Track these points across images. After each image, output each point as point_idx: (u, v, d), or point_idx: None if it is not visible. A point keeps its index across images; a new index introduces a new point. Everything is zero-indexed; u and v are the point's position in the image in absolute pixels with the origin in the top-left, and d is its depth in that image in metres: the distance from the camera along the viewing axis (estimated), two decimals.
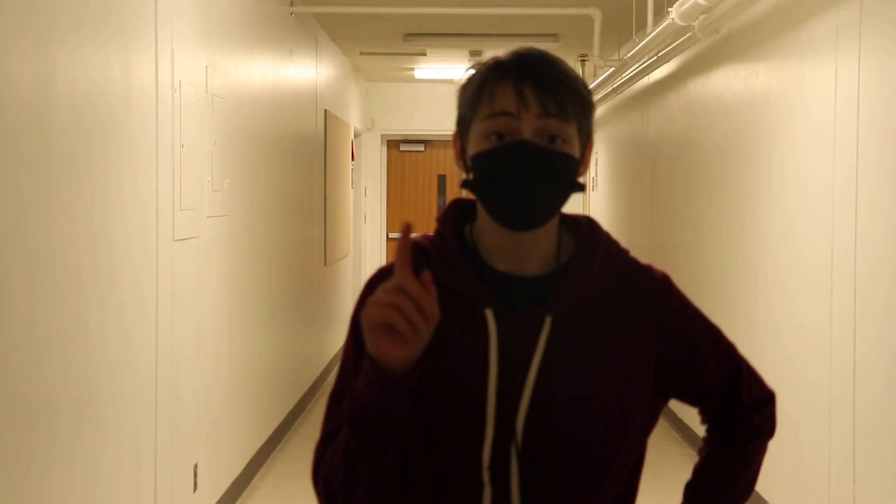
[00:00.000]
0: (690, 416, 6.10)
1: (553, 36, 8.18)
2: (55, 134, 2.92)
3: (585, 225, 1.47)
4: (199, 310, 4.35)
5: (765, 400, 1.56)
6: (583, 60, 9.07)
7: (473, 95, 1.39)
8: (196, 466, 4.31)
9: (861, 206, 3.64)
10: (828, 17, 3.97)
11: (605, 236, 1.46)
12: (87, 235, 3.15)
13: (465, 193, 1.44)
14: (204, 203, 4.36)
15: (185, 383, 4.15)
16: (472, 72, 1.42)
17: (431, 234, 1.46)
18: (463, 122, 1.41)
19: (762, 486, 4.72)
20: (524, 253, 1.41)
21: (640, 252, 7.39)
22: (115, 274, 3.37)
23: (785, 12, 4.51)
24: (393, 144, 12.11)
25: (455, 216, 1.47)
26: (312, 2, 6.83)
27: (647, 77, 7.35)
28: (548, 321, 1.37)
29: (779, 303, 4.52)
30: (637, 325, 1.42)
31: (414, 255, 1.38)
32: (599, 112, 10.29)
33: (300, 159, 6.91)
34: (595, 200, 10.72)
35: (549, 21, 7.65)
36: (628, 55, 6.63)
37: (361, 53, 9.45)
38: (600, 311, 1.41)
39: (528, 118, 1.34)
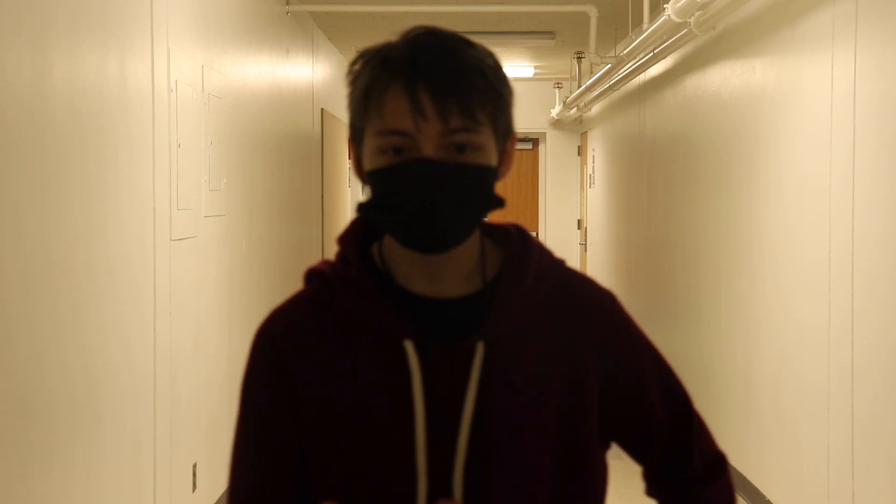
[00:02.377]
0: None
1: (549, 33, 8.18)
2: (52, 134, 2.92)
3: (514, 234, 1.25)
4: (197, 309, 4.35)
5: (717, 462, 1.32)
6: (579, 57, 9.07)
7: (360, 104, 1.15)
8: (195, 466, 4.31)
9: (858, 201, 3.64)
10: (824, 12, 3.97)
11: (538, 246, 1.25)
12: (85, 235, 3.15)
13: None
14: (201, 203, 4.36)
15: (184, 383, 4.15)
16: (358, 66, 1.18)
17: (332, 258, 1.25)
18: (354, 130, 1.18)
19: (762, 482, 4.73)
20: (444, 272, 1.19)
21: (638, 249, 7.39)
22: (112, 274, 3.36)
23: (781, 8, 4.51)
24: None
25: (359, 235, 1.25)
26: (309, 1, 6.83)
27: (643, 74, 7.35)
28: (479, 350, 1.16)
29: (776, 298, 4.52)
30: (578, 347, 1.21)
31: (312, 291, 1.23)
32: (596, 109, 10.29)
33: (297, 158, 6.90)
34: (592, 197, 10.73)
35: (546, 18, 7.65)
36: (625, 52, 6.63)
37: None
38: (537, 333, 1.20)
39: (427, 134, 1.11)
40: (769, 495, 4.62)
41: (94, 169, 3.22)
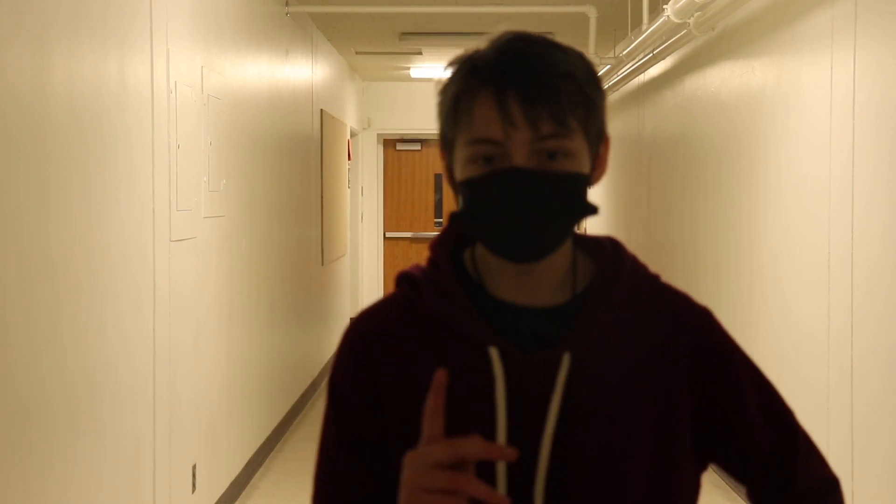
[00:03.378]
0: None
1: (549, 34, 8.16)
2: (52, 135, 2.92)
3: (608, 247, 1.25)
4: (197, 310, 4.35)
5: (827, 485, 1.26)
6: None
7: (451, 112, 1.15)
8: (195, 467, 4.31)
9: (858, 201, 3.64)
10: (823, 12, 3.97)
11: (632, 259, 1.24)
12: (84, 236, 3.15)
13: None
14: (200, 203, 4.36)
15: (183, 384, 4.15)
16: (448, 74, 1.17)
17: (423, 263, 1.25)
18: (445, 139, 1.18)
19: None
20: (534, 281, 1.19)
21: (637, 250, 7.40)
22: (112, 275, 3.36)
23: (780, 8, 4.51)
24: (389, 144, 12.11)
25: (452, 241, 1.24)
26: (308, 1, 6.83)
27: (643, 74, 7.35)
28: (565, 361, 1.14)
29: (776, 299, 4.53)
30: (671, 365, 1.18)
31: (402, 287, 1.23)
32: None
33: (297, 159, 6.90)
34: (592, 197, 10.72)
35: (545, 19, 7.66)
36: (624, 53, 6.63)
37: (357, 53, 9.44)
38: (627, 347, 1.18)
39: (517, 142, 1.10)
40: None
41: (94, 169, 3.22)
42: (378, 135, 11.86)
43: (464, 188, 1.15)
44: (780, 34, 4.50)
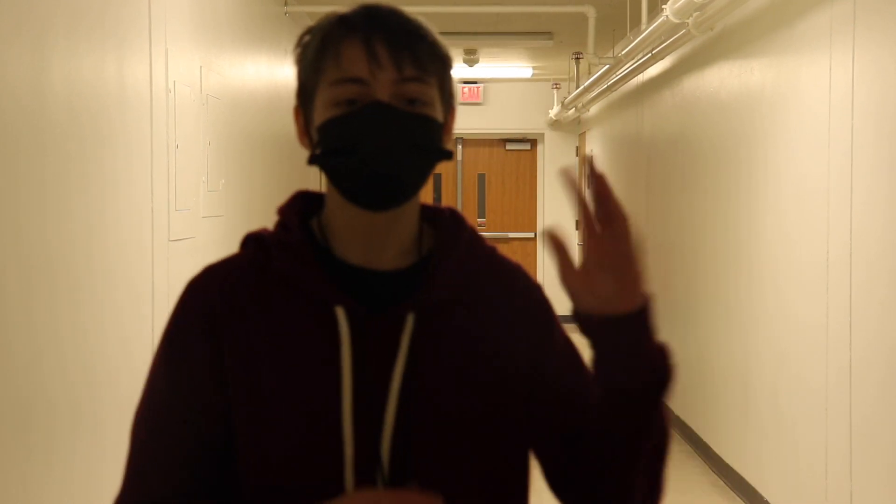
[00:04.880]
0: (688, 412, 6.10)
1: (547, 34, 8.19)
2: (50, 135, 2.92)
3: (447, 215, 1.28)
4: None
5: None
6: (577, 58, 9.08)
7: (315, 58, 1.19)
8: None
9: (856, 201, 3.64)
10: (822, 12, 3.97)
11: (470, 229, 1.27)
12: (83, 236, 3.15)
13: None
14: (199, 203, 4.36)
15: None
16: (310, 33, 1.22)
17: (272, 227, 1.27)
18: (305, 91, 1.22)
19: (759, 482, 4.73)
20: (380, 241, 1.21)
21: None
22: (111, 275, 3.36)
23: (779, 8, 4.51)
24: None
25: (299, 207, 1.27)
26: (307, 1, 6.83)
27: (641, 74, 7.35)
28: (410, 320, 1.17)
29: (775, 299, 4.53)
30: (507, 330, 1.23)
31: (249, 248, 1.25)
32: (594, 110, 10.29)
33: (296, 159, 6.90)
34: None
35: (544, 19, 7.66)
36: (623, 52, 6.64)
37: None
38: (467, 311, 1.22)
39: (382, 82, 1.15)
40: (767, 496, 4.62)
41: (93, 169, 3.22)
42: None
43: (327, 127, 1.17)
44: (778, 34, 4.51)
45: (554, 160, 12.07)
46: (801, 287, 4.18)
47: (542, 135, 12.02)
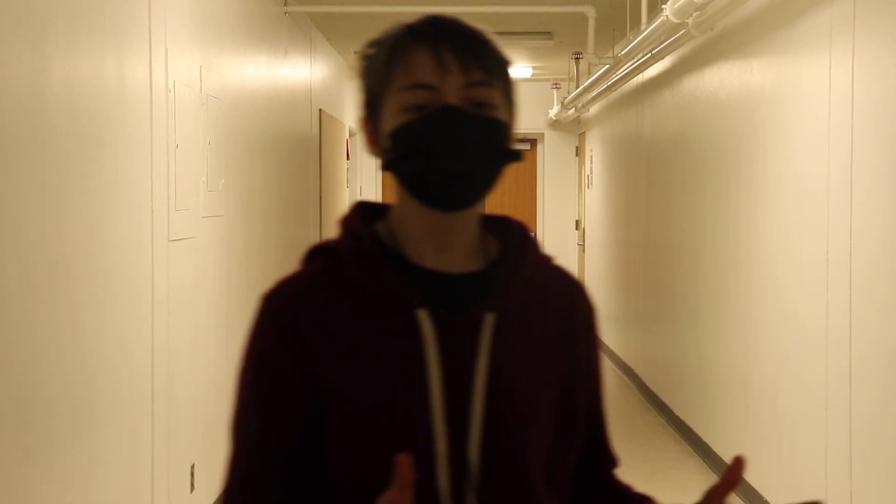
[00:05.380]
0: (688, 413, 6.10)
1: (547, 34, 8.18)
2: (50, 135, 2.92)
3: (514, 222, 1.33)
4: (195, 310, 4.35)
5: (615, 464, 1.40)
6: (577, 58, 9.07)
7: (384, 66, 1.22)
8: (193, 467, 4.31)
9: (856, 201, 3.64)
10: (822, 12, 3.97)
11: (533, 237, 1.34)
12: (83, 236, 3.15)
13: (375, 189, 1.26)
14: (199, 203, 4.36)
15: (182, 384, 4.15)
16: (376, 45, 1.25)
17: (336, 237, 1.29)
18: (372, 101, 1.25)
19: (759, 482, 4.73)
20: (451, 244, 1.25)
21: (636, 250, 7.41)
22: (110, 275, 3.36)
23: (779, 8, 4.51)
24: None
25: (361, 216, 1.29)
26: (307, 1, 6.83)
27: (641, 74, 7.35)
28: (489, 320, 1.22)
29: (774, 299, 4.53)
30: (569, 333, 1.30)
31: (318, 260, 1.26)
32: (594, 110, 10.29)
33: (295, 159, 6.90)
34: (590, 198, 10.73)
35: (544, 19, 7.66)
36: (623, 52, 6.63)
37: (356, 52, 9.44)
38: (537, 313, 1.28)
39: (450, 87, 1.19)
40: (766, 496, 4.62)
41: (93, 169, 3.22)
42: None
43: (398, 133, 1.20)
44: (778, 34, 4.51)
45: (554, 160, 12.07)
46: (801, 287, 4.18)
47: (542, 135, 12.02)
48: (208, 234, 4.53)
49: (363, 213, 1.29)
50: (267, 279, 5.12)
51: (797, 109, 4.28)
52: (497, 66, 1.23)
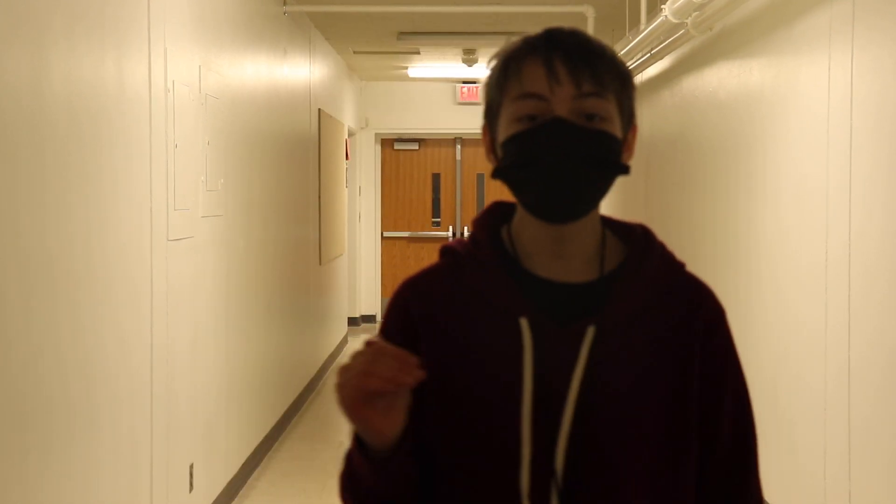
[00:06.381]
0: None
1: None
2: (49, 134, 2.92)
3: (639, 231, 1.35)
4: (194, 310, 4.35)
5: None
6: None
7: (500, 76, 1.26)
8: (192, 466, 4.30)
9: (855, 201, 3.65)
10: (821, 12, 3.97)
11: (660, 245, 1.35)
12: (82, 236, 3.15)
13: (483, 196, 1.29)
14: (198, 203, 4.36)
15: (181, 383, 4.15)
16: (497, 56, 1.29)
17: (467, 237, 1.35)
18: (491, 109, 1.29)
19: None
20: (565, 252, 1.28)
21: None
22: (109, 274, 3.36)
23: (778, 8, 4.51)
24: (387, 143, 12.10)
25: (492, 218, 1.34)
26: (306, 1, 6.82)
27: (640, 74, 7.35)
28: (590, 333, 1.23)
29: (773, 299, 4.53)
30: (687, 351, 1.27)
31: (445, 258, 1.34)
32: None
33: (294, 159, 6.90)
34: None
35: (542, 18, 7.66)
36: (622, 53, 6.63)
37: (355, 52, 9.44)
38: (649, 328, 1.27)
39: (561, 98, 1.21)
40: (765, 496, 4.62)
41: (92, 169, 3.22)
42: (376, 134, 11.85)
43: (509, 143, 1.24)
44: (777, 34, 4.51)
45: None
46: (800, 287, 4.18)
47: None
48: (207, 234, 4.53)
49: (493, 215, 1.34)
50: (266, 279, 5.15)
51: (796, 109, 4.28)
52: (612, 79, 1.24)
